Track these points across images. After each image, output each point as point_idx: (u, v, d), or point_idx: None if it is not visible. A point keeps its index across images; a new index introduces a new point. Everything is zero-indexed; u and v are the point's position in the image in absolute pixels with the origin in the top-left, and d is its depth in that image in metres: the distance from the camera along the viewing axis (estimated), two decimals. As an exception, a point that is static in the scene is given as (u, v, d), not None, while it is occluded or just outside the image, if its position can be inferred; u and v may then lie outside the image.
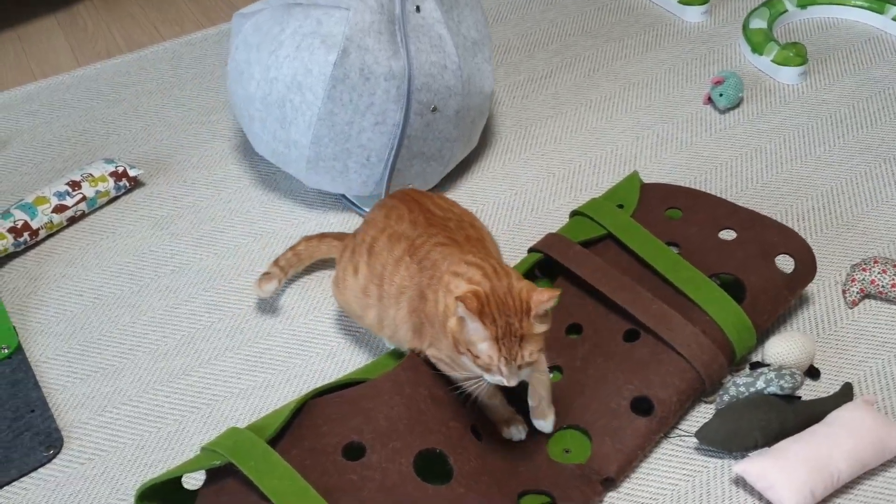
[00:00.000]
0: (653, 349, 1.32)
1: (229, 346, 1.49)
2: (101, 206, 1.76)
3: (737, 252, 1.43)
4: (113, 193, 1.76)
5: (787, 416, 1.25)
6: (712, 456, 1.28)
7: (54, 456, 1.33)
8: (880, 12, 2.10)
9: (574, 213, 1.56)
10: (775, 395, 1.27)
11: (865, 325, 1.44)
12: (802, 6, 2.14)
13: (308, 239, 1.53)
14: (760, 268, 1.40)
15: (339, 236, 1.51)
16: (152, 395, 1.42)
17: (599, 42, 2.13)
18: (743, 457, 1.26)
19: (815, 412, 1.27)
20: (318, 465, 1.14)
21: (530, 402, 1.24)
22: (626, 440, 1.25)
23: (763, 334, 1.40)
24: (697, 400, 1.34)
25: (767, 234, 1.45)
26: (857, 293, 1.46)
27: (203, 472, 1.19)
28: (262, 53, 1.57)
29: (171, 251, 1.67)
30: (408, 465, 1.14)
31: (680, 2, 2.17)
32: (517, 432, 1.25)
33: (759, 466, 1.19)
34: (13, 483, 1.30)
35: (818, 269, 1.49)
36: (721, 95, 1.87)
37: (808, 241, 1.57)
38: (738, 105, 1.91)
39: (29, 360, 1.47)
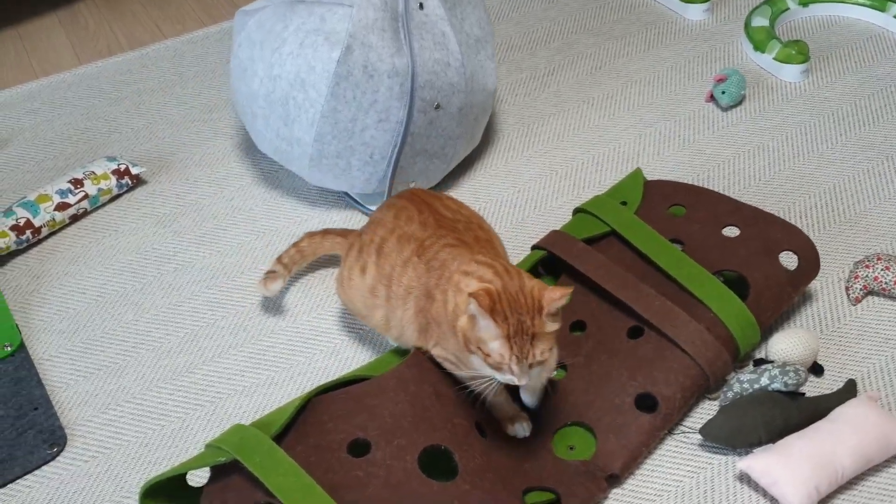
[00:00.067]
0: (657, 346, 1.32)
1: (232, 343, 1.49)
2: (104, 204, 1.76)
3: (740, 249, 1.43)
4: (115, 191, 1.76)
5: (790, 412, 1.25)
6: (716, 452, 1.28)
7: (58, 454, 1.33)
8: (882, 10, 2.10)
9: (577, 211, 1.56)
10: (779, 391, 1.27)
11: (869, 322, 1.44)
12: (804, 4, 2.14)
13: (311, 235, 1.53)
14: (764, 265, 1.40)
15: (343, 233, 1.51)
16: (156, 392, 1.42)
17: (601, 40, 2.13)
18: (747, 453, 1.26)
19: (818, 409, 1.27)
20: (324, 461, 1.14)
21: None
22: (630, 437, 1.25)
23: (767, 331, 1.41)
24: (701, 396, 1.34)
25: (771, 231, 1.45)
26: (861, 290, 1.46)
27: (208, 469, 1.19)
28: (265, 50, 1.56)
29: (174, 249, 1.66)
30: (413, 462, 1.14)
31: (682, 0, 2.17)
32: (522, 429, 1.25)
33: (764, 463, 1.20)
34: (17, 481, 1.30)
35: (821, 266, 1.49)
36: (723, 93, 1.87)
37: (811, 238, 1.57)
38: (740, 103, 1.91)
39: (32, 357, 1.47)
